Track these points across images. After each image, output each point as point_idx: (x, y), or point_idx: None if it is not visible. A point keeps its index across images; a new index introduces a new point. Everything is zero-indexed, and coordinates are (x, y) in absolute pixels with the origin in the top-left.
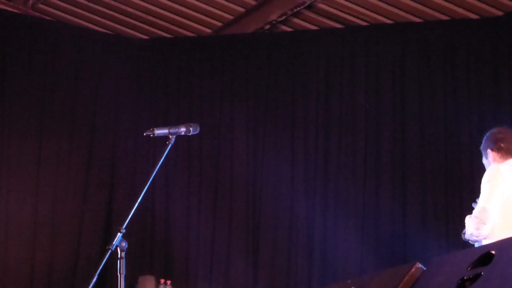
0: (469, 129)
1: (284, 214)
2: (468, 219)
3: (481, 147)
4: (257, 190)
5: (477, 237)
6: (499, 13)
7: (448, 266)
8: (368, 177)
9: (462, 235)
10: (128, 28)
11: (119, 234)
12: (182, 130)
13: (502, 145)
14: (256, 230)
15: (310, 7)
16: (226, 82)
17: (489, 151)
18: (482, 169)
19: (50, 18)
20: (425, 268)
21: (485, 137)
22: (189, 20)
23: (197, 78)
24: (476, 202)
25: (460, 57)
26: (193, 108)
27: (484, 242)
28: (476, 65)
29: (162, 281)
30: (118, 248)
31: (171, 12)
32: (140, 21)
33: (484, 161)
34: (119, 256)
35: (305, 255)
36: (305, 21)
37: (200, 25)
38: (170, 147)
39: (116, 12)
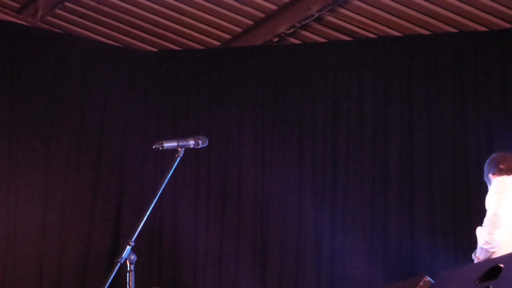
0: (477, 141)
1: (292, 224)
2: (480, 229)
3: (484, 177)
4: (265, 200)
5: (491, 242)
6: (507, 25)
7: (456, 280)
8: (376, 189)
9: (473, 255)
10: (137, 40)
11: (128, 246)
12: (191, 143)
13: (501, 166)
14: (264, 240)
15: (318, 20)
16: (234, 94)
17: (490, 175)
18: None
19: (59, 31)
20: (433, 282)
21: (485, 166)
22: (197, 32)
23: (205, 90)
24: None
25: (468, 69)
26: (201, 120)
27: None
28: (484, 77)
29: None
30: (127, 261)
31: (179, 25)
32: (148, 34)
33: (490, 187)
34: (128, 269)
35: (313, 266)
36: (314, 33)
37: (209, 37)
38: (179, 160)
39: (124, 24)
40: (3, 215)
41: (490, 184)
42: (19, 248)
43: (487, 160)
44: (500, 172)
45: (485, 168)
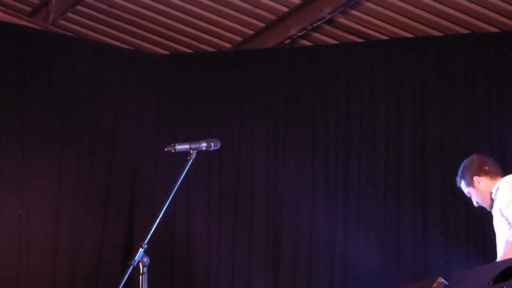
0: (489, 143)
1: (304, 228)
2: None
3: (462, 181)
4: (277, 204)
5: None
6: None
7: (470, 281)
8: (388, 191)
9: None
10: (149, 43)
11: (141, 249)
12: (203, 145)
13: (486, 168)
14: (276, 244)
15: (330, 22)
16: (246, 97)
17: (476, 178)
18: None
19: (70, 34)
20: (447, 283)
21: (462, 170)
22: (209, 35)
23: (217, 93)
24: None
25: (480, 71)
26: (213, 122)
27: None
28: (497, 78)
29: None
30: (140, 263)
31: (191, 27)
32: (160, 37)
33: (471, 191)
34: (141, 271)
35: (326, 269)
36: (325, 35)
37: (220, 40)
38: (191, 163)
39: (136, 27)
40: (17, 220)
41: (473, 187)
42: (32, 252)
43: (465, 165)
44: (487, 173)
45: (463, 173)
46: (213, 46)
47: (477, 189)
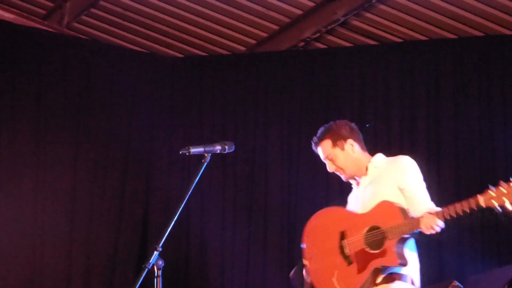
0: (504, 145)
1: None
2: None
3: (327, 140)
4: (292, 206)
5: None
6: None
7: (485, 285)
8: None
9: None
10: (163, 46)
11: (155, 252)
12: (218, 148)
13: (360, 137)
14: (291, 248)
15: (344, 24)
16: (260, 100)
17: (350, 141)
18: None
19: (85, 37)
20: (462, 287)
21: (332, 129)
22: (223, 38)
23: (231, 96)
24: None
25: (495, 73)
26: (227, 125)
27: None
28: (511, 80)
29: None
30: (154, 266)
31: (205, 30)
32: (174, 39)
33: (338, 153)
34: (156, 274)
35: None
36: (339, 38)
37: (234, 43)
38: (206, 166)
39: (150, 30)
40: (31, 221)
41: (341, 148)
42: (47, 253)
43: (336, 124)
44: (360, 141)
45: (333, 132)
46: (227, 49)
47: (347, 153)
